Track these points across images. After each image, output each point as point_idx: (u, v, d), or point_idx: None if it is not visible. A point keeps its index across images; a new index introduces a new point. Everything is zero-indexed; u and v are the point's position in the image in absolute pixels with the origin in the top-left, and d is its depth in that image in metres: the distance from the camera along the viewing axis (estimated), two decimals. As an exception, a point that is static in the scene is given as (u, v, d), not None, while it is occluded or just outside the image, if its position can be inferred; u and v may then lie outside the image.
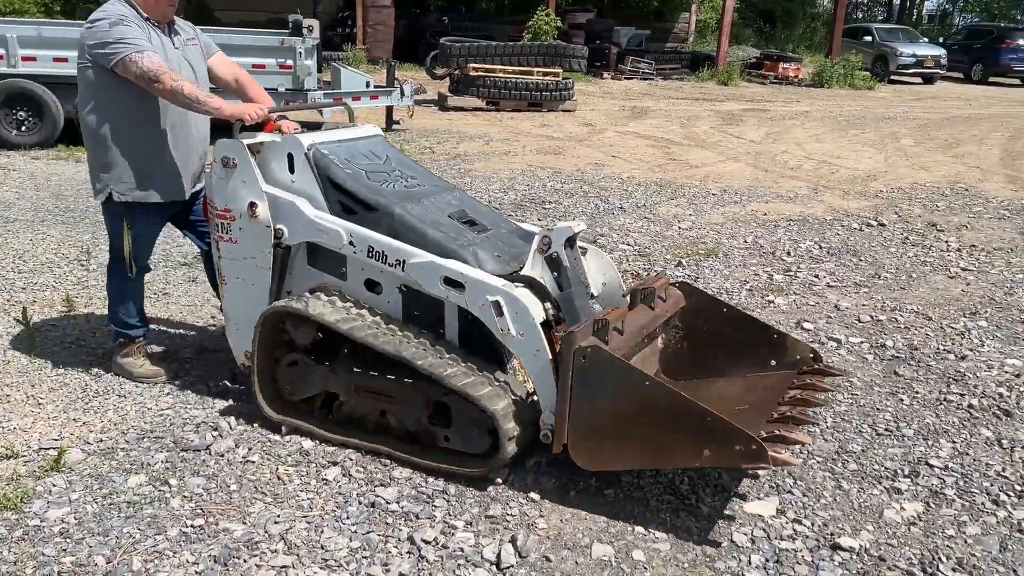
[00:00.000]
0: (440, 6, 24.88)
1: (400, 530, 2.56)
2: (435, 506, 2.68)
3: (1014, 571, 2.48)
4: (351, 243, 2.99)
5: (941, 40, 26.78)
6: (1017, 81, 23.44)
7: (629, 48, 21.29)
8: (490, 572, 2.39)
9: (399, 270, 2.93)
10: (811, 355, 3.04)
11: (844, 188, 8.16)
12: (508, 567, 2.40)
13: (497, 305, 2.75)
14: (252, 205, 3.07)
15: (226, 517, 2.60)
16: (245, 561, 2.40)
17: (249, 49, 8.70)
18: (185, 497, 2.69)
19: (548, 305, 2.84)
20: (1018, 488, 2.91)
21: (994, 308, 4.80)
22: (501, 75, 12.86)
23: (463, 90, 12.83)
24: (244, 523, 2.57)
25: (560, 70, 13.46)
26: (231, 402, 3.34)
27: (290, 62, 8.92)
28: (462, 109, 12.59)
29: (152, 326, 3.76)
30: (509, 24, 22.48)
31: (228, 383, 3.52)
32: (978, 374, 3.87)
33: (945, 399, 3.60)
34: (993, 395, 3.65)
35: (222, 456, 2.94)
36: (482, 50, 13.28)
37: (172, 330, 4.10)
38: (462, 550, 2.47)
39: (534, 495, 2.76)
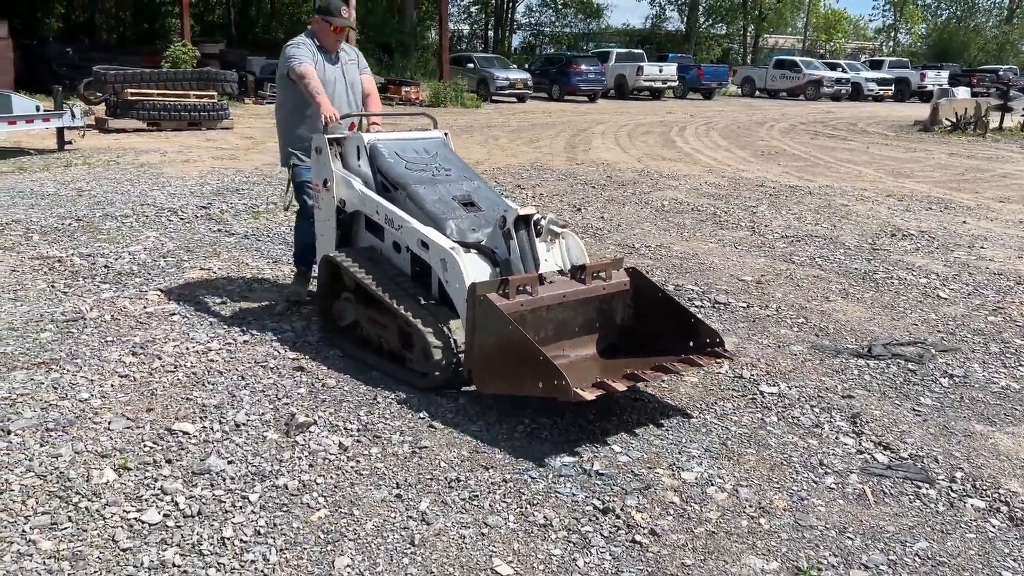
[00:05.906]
0: (57, 38, 24.41)
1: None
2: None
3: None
4: (377, 211, 3.94)
5: (527, 66, 32.39)
6: (585, 98, 29.41)
7: (264, 76, 23.06)
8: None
9: (400, 233, 3.82)
10: (717, 339, 3.56)
11: (460, 170, 11.09)
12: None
13: (442, 261, 3.60)
14: (326, 181, 4.20)
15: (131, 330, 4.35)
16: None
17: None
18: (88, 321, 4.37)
19: (498, 269, 3.59)
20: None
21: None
22: (159, 98, 14.04)
23: (122, 113, 13.76)
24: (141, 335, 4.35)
25: (215, 93, 14.96)
26: (70, 304, 4.92)
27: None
28: (123, 131, 13.54)
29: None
30: (138, 55, 22.96)
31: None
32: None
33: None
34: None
35: (94, 319, 4.59)
36: (137, 76, 14.26)
37: None
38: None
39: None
